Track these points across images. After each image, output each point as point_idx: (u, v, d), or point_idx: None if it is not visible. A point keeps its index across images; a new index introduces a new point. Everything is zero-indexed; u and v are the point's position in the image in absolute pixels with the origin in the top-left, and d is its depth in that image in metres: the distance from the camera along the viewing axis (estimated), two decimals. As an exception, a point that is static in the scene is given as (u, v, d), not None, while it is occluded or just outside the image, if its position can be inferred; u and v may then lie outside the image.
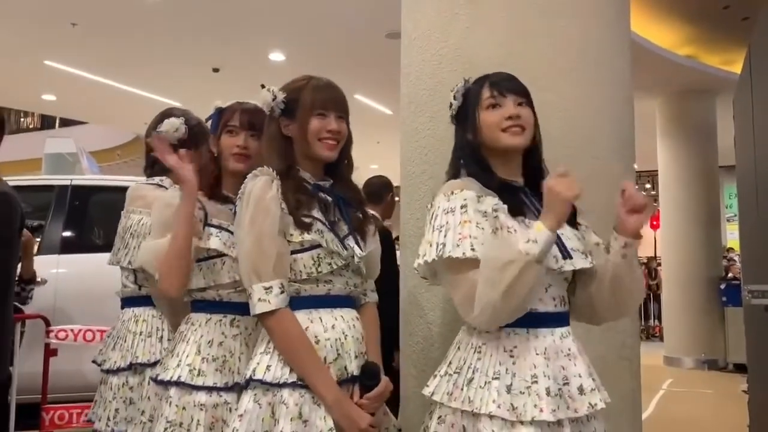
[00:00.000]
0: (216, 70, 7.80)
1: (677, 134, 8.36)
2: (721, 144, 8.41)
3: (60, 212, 3.82)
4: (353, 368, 1.55)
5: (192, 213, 1.66)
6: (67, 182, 3.95)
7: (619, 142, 2.14)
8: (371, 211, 3.61)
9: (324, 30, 6.53)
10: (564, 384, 1.40)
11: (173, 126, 2.07)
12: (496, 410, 1.35)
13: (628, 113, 2.20)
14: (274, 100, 1.61)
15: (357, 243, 1.64)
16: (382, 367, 1.64)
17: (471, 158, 1.55)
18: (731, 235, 12.78)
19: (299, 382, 1.47)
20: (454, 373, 1.44)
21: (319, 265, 1.55)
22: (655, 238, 11.72)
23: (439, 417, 1.44)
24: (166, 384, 1.66)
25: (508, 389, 1.37)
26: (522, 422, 1.34)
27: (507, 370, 1.39)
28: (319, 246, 1.55)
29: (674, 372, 7.67)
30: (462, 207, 1.43)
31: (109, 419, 1.99)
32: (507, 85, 1.55)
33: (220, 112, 1.81)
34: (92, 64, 7.68)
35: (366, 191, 3.69)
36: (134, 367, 2.00)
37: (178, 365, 1.67)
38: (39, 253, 3.63)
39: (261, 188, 1.53)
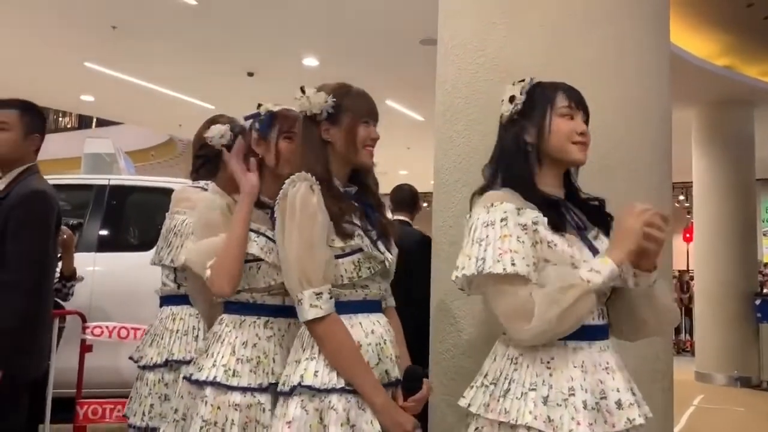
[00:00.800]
0: (250, 74, 7.89)
1: (713, 145, 8.21)
2: (759, 156, 8.24)
3: (98, 211, 3.91)
4: (395, 372, 1.57)
5: (249, 216, 1.68)
6: (105, 182, 4.04)
7: (657, 154, 2.12)
8: (404, 218, 3.65)
9: (357, 35, 6.57)
10: (602, 398, 1.39)
11: (219, 132, 2.11)
12: (532, 422, 1.34)
13: (666, 124, 2.18)
14: (326, 102, 1.61)
15: (387, 247, 1.66)
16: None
17: (522, 164, 1.51)
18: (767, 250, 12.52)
19: (347, 387, 1.48)
20: (491, 384, 1.43)
21: (359, 269, 1.57)
22: (687, 251, 11.52)
23: (476, 429, 1.44)
24: (201, 383, 1.68)
25: (545, 401, 1.36)
26: None
27: (544, 381, 1.39)
28: (360, 251, 1.56)
29: (705, 388, 7.51)
30: (502, 220, 1.42)
31: (144, 414, 2.05)
32: (580, 99, 1.54)
33: (273, 116, 1.82)
34: (130, 66, 7.84)
35: (397, 198, 3.72)
36: (170, 364, 2.06)
37: (213, 365, 1.68)
38: (76, 250, 3.72)
39: (304, 195, 1.53)
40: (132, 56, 7.46)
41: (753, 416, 6.12)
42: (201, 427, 1.63)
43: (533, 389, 1.38)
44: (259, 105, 1.87)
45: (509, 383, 1.40)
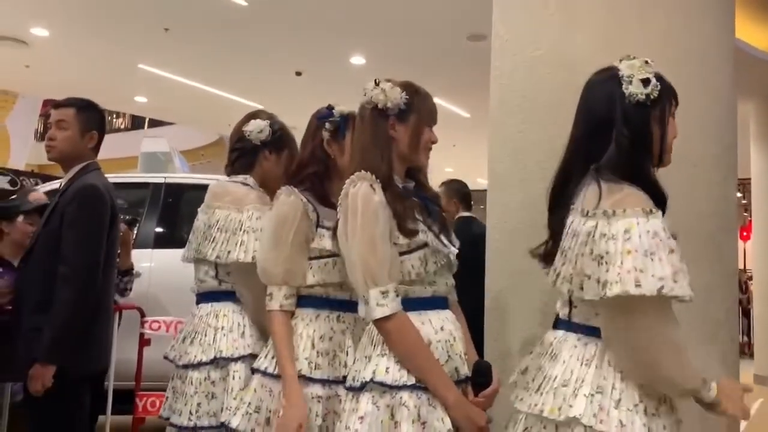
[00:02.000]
0: (299, 74, 7.97)
1: (773, 140, 7.92)
2: (821, 151, 7.91)
3: (154, 208, 4.00)
4: (464, 370, 1.57)
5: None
6: (162, 180, 4.14)
7: (720, 148, 2.05)
8: (469, 214, 3.64)
9: (404, 33, 6.56)
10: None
11: (258, 127, 2.13)
12: None
13: (731, 117, 2.11)
14: (401, 98, 1.61)
15: (449, 240, 1.66)
16: None
17: (649, 158, 1.41)
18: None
19: (418, 384, 1.47)
20: (596, 393, 1.33)
21: (426, 264, 1.57)
22: (745, 250, 11.14)
23: None
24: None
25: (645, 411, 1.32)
26: None
27: (647, 395, 1.34)
28: (425, 246, 1.56)
29: (765, 391, 7.25)
30: (664, 231, 1.29)
31: (191, 413, 1.98)
32: (677, 105, 1.46)
33: (347, 119, 1.86)
34: (182, 67, 8.01)
35: (459, 194, 3.73)
36: (217, 362, 2.01)
37: (296, 359, 1.72)
38: (134, 247, 3.82)
39: (366, 194, 1.53)
40: (183, 58, 7.63)
41: (816, 421, 5.87)
42: None
43: (642, 402, 1.33)
44: (331, 107, 1.90)
45: (619, 394, 1.32)
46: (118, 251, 2.87)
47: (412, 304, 1.54)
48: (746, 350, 10.01)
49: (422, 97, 1.65)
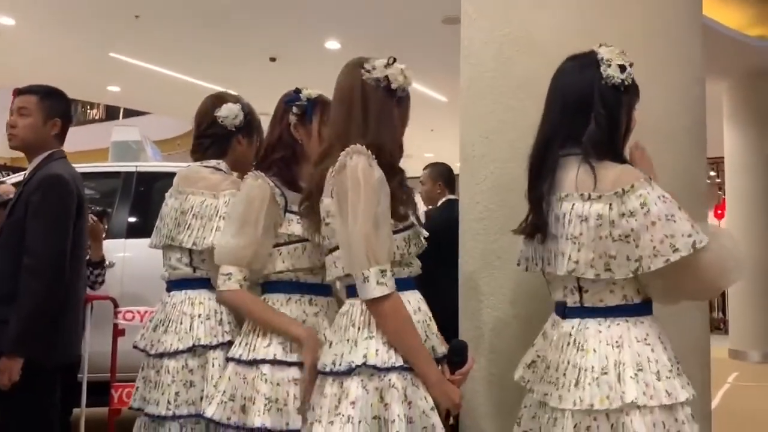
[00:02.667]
0: (273, 60, 7.89)
1: (746, 119, 7.99)
2: (793, 129, 8.01)
3: (126, 198, 3.94)
4: (441, 348, 1.59)
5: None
6: (133, 169, 4.08)
7: (690, 124, 2.06)
8: (453, 197, 3.63)
9: (379, 17, 6.51)
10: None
11: (232, 113, 2.09)
12: (690, 395, 1.39)
13: (699, 94, 2.12)
14: (405, 79, 1.59)
15: (420, 224, 1.65)
16: None
17: (621, 139, 1.51)
18: (803, 225, 12.17)
19: (405, 365, 1.47)
20: (638, 371, 1.39)
21: (409, 246, 1.57)
22: (720, 228, 11.28)
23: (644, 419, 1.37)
24: (257, 362, 1.70)
25: (658, 376, 1.40)
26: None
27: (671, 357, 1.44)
28: (411, 227, 1.56)
29: (740, 365, 7.39)
30: (668, 193, 1.41)
31: (169, 402, 1.94)
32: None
33: (315, 103, 1.84)
34: (154, 55, 7.88)
35: (444, 177, 3.71)
36: (195, 350, 1.97)
37: (269, 344, 1.71)
38: (107, 237, 3.76)
39: (365, 169, 1.48)
40: (156, 45, 7.51)
41: (790, 394, 6.01)
42: (265, 405, 1.66)
43: (677, 364, 1.43)
44: (299, 90, 1.87)
45: (656, 364, 1.40)
46: (89, 243, 2.83)
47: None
48: (721, 326, 10.18)
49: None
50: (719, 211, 9.87)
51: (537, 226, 1.54)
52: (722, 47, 6.71)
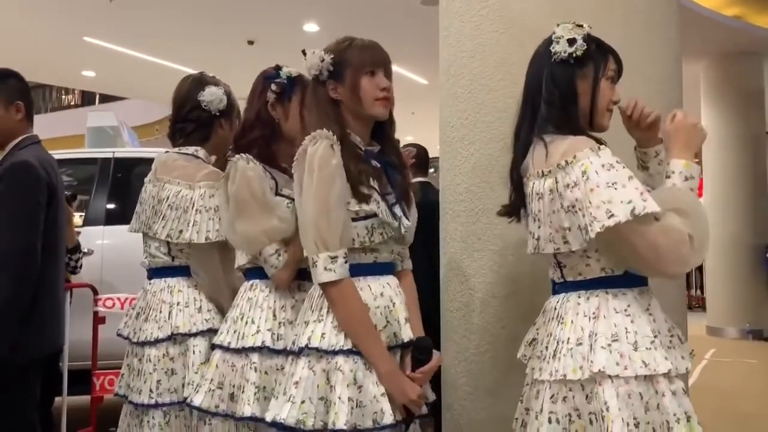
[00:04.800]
0: (251, 43, 7.80)
1: (722, 99, 8.08)
2: (769, 108, 8.12)
3: (103, 185, 3.89)
4: (403, 335, 1.57)
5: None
6: (110, 155, 4.02)
7: (667, 103, 2.07)
8: (425, 179, 3.61)
9: (358, -1, 6.46)
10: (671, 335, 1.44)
11: (217, 97, 2.06)
12: (671, 368, 1.35)
13: (676, 73, 2.13)
14: (322, 62, 1.57)
15: (404, 212, 1.63)
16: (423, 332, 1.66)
17: (576, 110, 1.47)
18: (778, 203, 12.39)
19: (354, 349, 1.48)
20: (613, 341, 1.37)
21: (372, 234, 1.55)
22: (697, 207, 11.43)
23: (616, 389, 1.35)
24: (246, 350, 1.69)
25: (635, 347, 1.37)
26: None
27: (660, 329, 1.42)
28: (374, 216, 1.54)
29: (717, 342, 7.53)
30: (618, 162, 1.37)
31: (151, 391, 1.94)
32: (622, 68, 1.54)
33: (293, 81, 1.81)
34: (129, 39, 7.74)
35: (417, 159, 3.68)
36: (175, 338, 1.97)
37: (258, 331, 1.70)
38: (85, 224, 3.72)
39: (324, 154, 1.50)
40: (130, 28, 7.37)
41: (765, 368, 6.14)
42: (254, 393, 1.65)
43: (656, 336, 1.39)
44: (279, 67, 1.84)
45: (634, 336, 1.37)
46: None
47: (352, 269, 1.53)
48: (699, 304, 10.36)
49: (355, 48, 1.59)
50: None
51: (516, 205, 1.57)
52: (699, 27, 6.75)
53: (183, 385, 1.92)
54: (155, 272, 2.06)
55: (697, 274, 10.63)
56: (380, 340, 1.52)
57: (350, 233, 1.52)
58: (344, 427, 1.41)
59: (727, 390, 5.19)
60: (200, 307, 1.99)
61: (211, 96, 2.05)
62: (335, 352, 1.47)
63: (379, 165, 1.61)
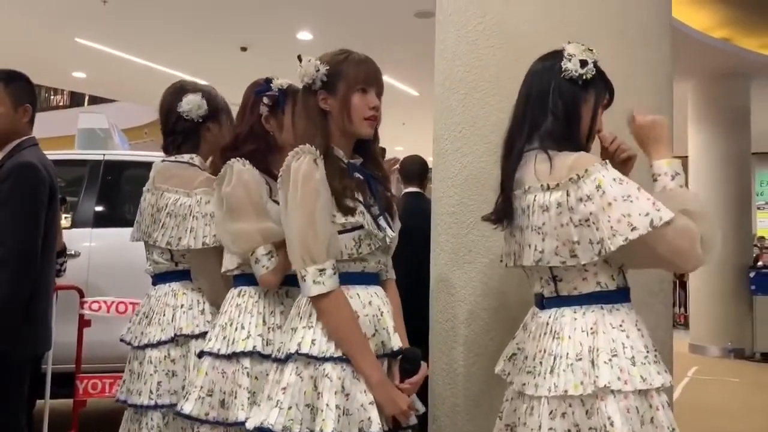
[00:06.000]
0: (244, 49, 7.80)
1: (709, 119, 8.19)
2: (754, 129, 8.22)
3: (93, 187, 3.86)
4: (392, 344, 1.57)
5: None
6: (100, 157, 4.00)
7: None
8: (417, 189, 3.62)
9: (352, 9, 6.48)
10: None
11: (195, 104, 2.07)
12: (666, 382, 1.39)
13: (668, 89, 2.17)
14: (317, 71, 1.57)
15: (388, 223, 1.64)
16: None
17: (579, 130, 1.52)
18: (762, 223, 12.56)
19: (342, 357, 1.48)
20: (613, 356, 1.39)
21: (359, 246, 1.56)
22: (682, 225, 11.55)
23: (619, 405, 1.36)
24: (237, 356, 1.69)
25: (633, 362, 1.40)
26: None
27: (648, 344, 1.45)
28: (360, 227, 1.55)
29: (700, 360, 7.59)
30: (624, 176, 1.42)
31: (151, 392, 1.96)
32: (611, 103, 1.60)
33: (285, 93, 1.82)
34: (122, 41, 7.72)
35: (407, 171, 3.69)
36: (177, 340, 1.99)
37: (249, 336, 1.70)
38: (73, 226, 3.69)
39: (307, 169, 1.50)
40: (123, 31, 7.35)
41: (747, 387, 6.19)
42: (248, 398, 1.65)
43: (651, 351, 1.44)
44: (269, 80, 1.85)
45: (631, 350, 1.40)
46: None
47: (341, 278, 1.53)
48: (681, 321, 10.44)
49: (351, 62, 1.59)
50: (682, 209, 10.08)
51: (504, 212, 1.57)
52: (688, 48, 6.85)
53: (183, 387, 1.92)
54: (159, 278, 2.10)
55: (681, 292, 10.72)
56: (370, 350, 1.52)
57: (338, 245, 1.52)
58: None
59: (709, 408, 5.23)
60: (203, 309, 2.02)
61: (189, 105, 2.07)
62: (324, 359, 1.47)
63: (362, 177, 1.62)
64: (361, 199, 1.57)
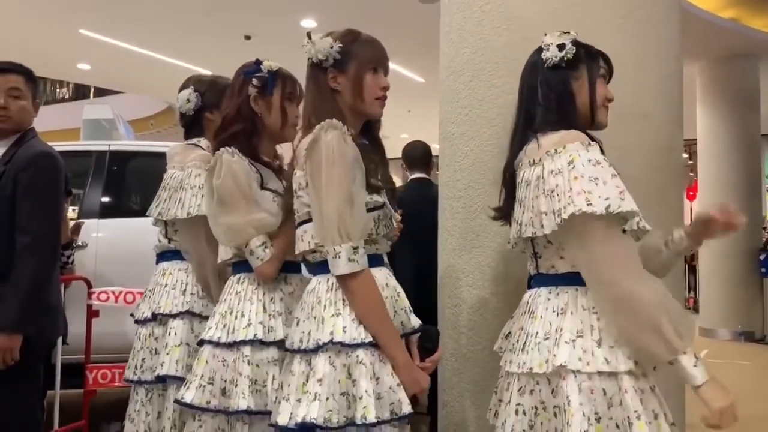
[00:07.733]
0: (248, 38, 7.77)
1: (718, 101, 8.09)
2: (764, 111, 8.13)
3: (98, 178, 3.85)
4: (411, 323, 1.58)
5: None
6: (105, 148, 3.99)
7: (667, 102, 2.07)
8: (423, 175, 3.59)
9: (356, -5, 6.45)
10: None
11: (183, 99, 2.16)
12: (633, 367, 1.35)
13: (677, 71, 2.13)
14: (332, 48, 1.54)
15: (393, 207, 1.64)
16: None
17: (572, 108, 1.51)
18: (772, 206, 12.46)
19: (372, 341, 1.46)
20: (577, 337, 1.39)
21: (378, 226, 1.55)
22: (691, 209, 11.49)
23: (578, 385, 1.36)
24: (238, 345, 1.68)
25: (599, 344, 1.38)
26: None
27: (592, 327, 1.41)
28: (381, 206, 1.54)
29: (710, 343, 7.56)
30: (605, 160, 1.40)
31: (136, 368, 2.06)
32: (612, 68, 1.58)
33: (275, 75, 1.81)
34: (126, 32, 7.70)
35: (412, 155, 3.66)
36: (159, 318, 2.05)
37: (249, 325, 1.69)
38: (79, 217, 3.69)
39: (339, 144, 1.47)
40: (127, 22, 7.33)
41: (757, 370, 6.17)
42: (248, 386, 1.65)
43: (580, 336, 1.40)
44: (259, 61, 1.83)
45: (599, 333, 1.38)
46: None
47: None
48: (690, 306, 10.40)
49: (362, 42, 1.58)
50: (691, 193, 10.03)
51: (506, 210, 1.60)
52: (695, 29, 6.77)
53: (162, 364, 1.98)
54: (159, 257, 2.20)
55: (691, 276, 10.68)
56: (396, 331, 1.51)
57: (369, 224, 1.51)
58: (374, 421, 1.39)
59: (720, 391, 5.20)
60: (185, 290, 2.07)
61: (179, 101, 2.18)
62: (357, 346, 1.45)
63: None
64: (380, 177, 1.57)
